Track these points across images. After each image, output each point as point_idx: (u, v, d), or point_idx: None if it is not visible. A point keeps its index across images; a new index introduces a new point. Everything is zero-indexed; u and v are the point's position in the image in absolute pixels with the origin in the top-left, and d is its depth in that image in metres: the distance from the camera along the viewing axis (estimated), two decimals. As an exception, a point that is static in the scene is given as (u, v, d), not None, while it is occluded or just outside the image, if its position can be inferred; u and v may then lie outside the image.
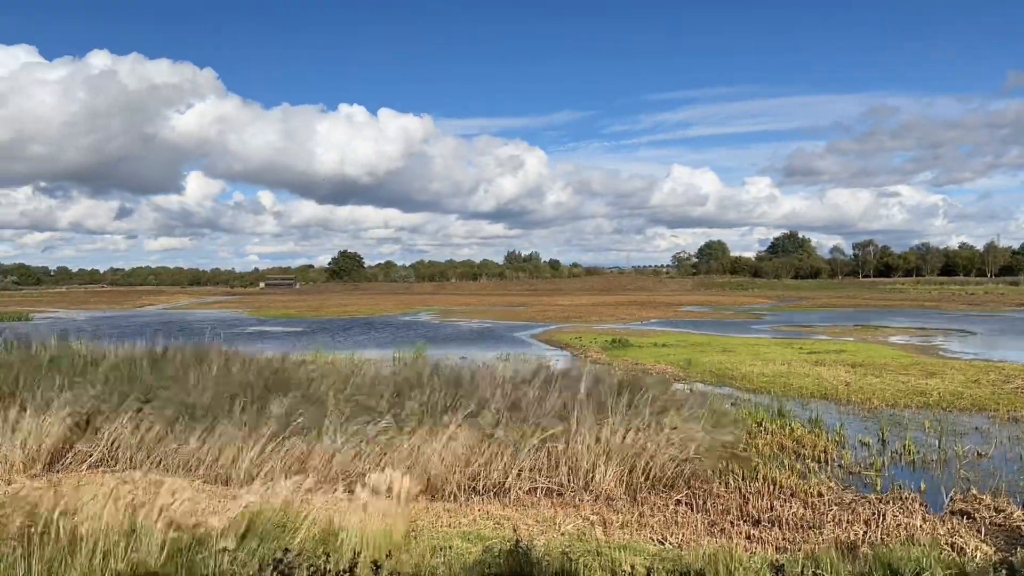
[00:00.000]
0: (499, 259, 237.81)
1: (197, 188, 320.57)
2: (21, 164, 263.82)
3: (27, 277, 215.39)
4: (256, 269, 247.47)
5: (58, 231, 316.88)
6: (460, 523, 10.69)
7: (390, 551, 7.72)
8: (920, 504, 11.59)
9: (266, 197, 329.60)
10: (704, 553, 8.59)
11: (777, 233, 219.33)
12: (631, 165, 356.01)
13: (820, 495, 12.07)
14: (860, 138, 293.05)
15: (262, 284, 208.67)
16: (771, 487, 12.38)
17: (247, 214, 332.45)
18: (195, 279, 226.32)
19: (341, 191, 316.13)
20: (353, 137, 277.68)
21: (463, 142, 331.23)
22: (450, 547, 9.30)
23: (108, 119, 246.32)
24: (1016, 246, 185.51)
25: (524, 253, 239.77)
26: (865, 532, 10.28)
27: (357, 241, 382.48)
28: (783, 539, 10.14)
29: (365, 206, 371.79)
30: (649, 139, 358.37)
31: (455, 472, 12.62)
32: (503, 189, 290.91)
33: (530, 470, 12.70)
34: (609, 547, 9.46)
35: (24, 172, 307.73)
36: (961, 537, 10.04)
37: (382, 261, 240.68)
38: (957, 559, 8.82)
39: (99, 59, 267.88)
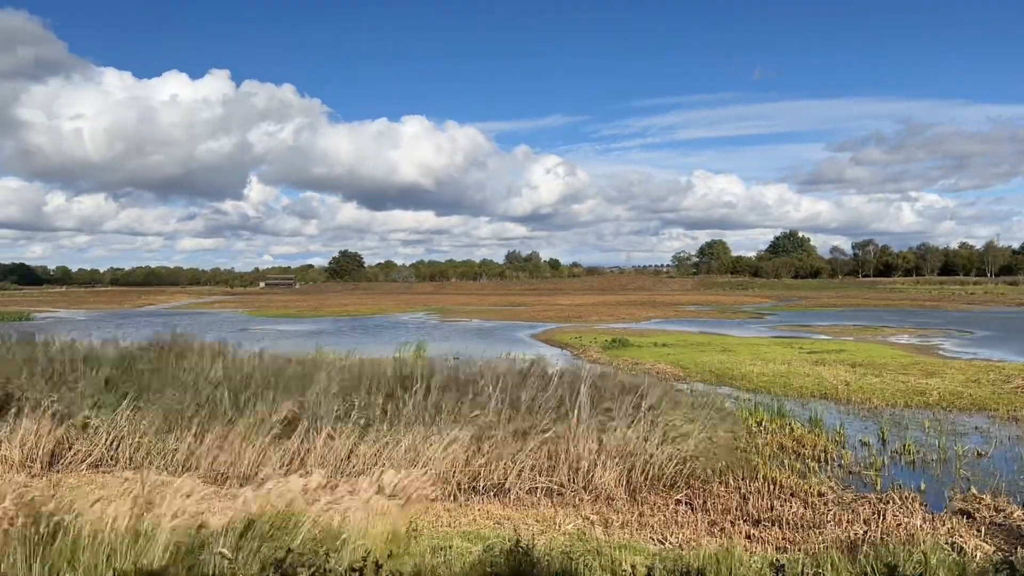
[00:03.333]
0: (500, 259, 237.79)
1: (255, 193, 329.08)
2: (116, 174, 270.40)
3: (27, 277, 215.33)
4: (256, 269, 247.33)
5: (99, 234, 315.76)
6: (460, 523, 10.69)
7: (391, 551, 7.72)
8: (920, 504, 11.60)
9: (312, 200, 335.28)
10: (705, 553, 8.60)
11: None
12: (625, 167, 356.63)
13: (820, 495, 12.08)
14: (889, 149, 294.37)
15: (262, 284, 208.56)
16: (771, 487, 12.38)
17: (288, 216, 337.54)
18: (195, 279, 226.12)
19: (381, 196, 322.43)
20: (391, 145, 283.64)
21: (505, 150, 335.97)
22: (450, 547, 9.29)
23: (217, 136, 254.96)
24: (1016, 246, 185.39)
25: (524, 253, 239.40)
26: (865, 532, 10.29)
27: (384, 243, 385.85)
28: (783, 539, 10.15)
29: (406, 210, 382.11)
30: (639, 142, 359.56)
31: (455, 472, 12.63)
32: (539, 194, 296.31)
33: (530, 470, 12.70)
34: (609, 547, 9.47)
35: (110, 181, 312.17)
36: (961, 537, 10.05)
37: (382, 261, 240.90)
38: (957, 559, 8.82)
39: (220, 81, 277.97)
